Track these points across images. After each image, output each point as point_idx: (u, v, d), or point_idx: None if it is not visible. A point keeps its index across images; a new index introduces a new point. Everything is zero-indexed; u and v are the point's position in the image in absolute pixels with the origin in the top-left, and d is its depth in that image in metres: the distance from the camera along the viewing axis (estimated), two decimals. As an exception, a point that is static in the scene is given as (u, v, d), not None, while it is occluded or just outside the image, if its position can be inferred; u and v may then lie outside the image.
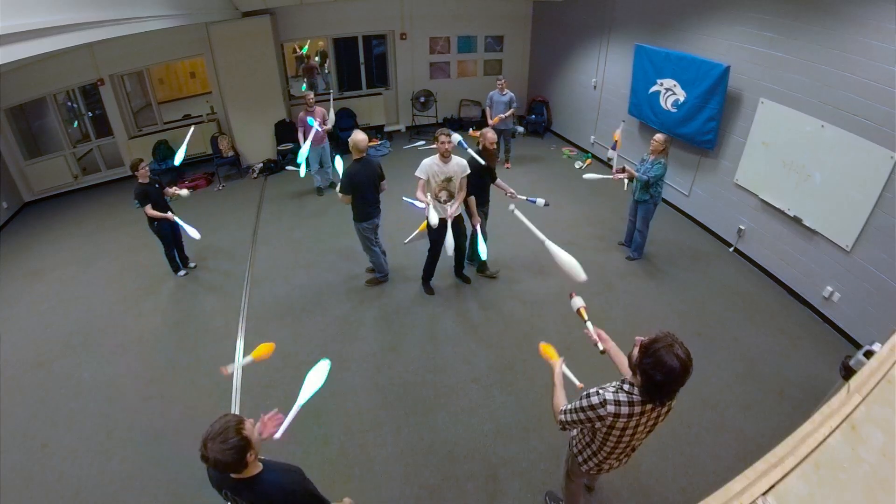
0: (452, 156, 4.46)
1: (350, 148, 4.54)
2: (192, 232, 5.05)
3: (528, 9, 9.82)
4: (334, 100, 9.34)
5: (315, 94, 7.16)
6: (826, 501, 0.96)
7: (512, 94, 7.53)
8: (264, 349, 2.87)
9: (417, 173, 4.48)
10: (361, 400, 3.94)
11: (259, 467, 1.94)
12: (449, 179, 4.49)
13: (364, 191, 4.64)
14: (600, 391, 2.01)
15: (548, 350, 2.69)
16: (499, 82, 7.56)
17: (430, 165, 4.44)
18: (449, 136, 4.40)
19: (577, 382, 2.53)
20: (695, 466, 3.34)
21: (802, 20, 4.49)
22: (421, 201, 4.48)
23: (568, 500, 2.81)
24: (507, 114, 7.50)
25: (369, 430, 3.69)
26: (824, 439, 1.08)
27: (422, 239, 4.92)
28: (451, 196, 4.58)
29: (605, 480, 3.21)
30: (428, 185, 4.48)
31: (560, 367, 2.46)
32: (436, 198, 4.52)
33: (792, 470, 1.01)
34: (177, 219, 5.15)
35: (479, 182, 4.82)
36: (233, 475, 1.89)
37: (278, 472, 2.00)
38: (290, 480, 2.02)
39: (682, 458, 3.39)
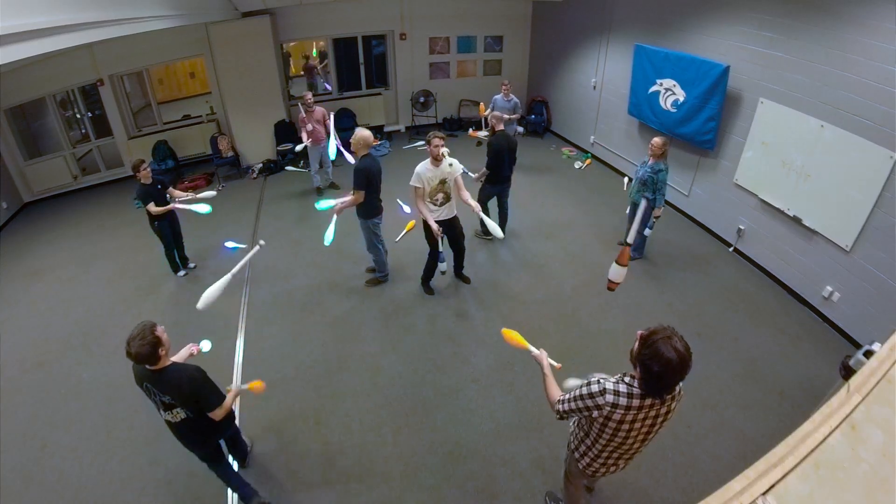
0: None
1: (356, 146, 4.50)
2: (202, 207, 4.91)
3: (528, 9, 9.82)
4: (334, 100, 9.39)
5: (314, 94, 7.16)
6: (826, 501, 0.96)
7: (517, 100, 7.34)
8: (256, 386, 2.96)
9: (412, 182, 4.43)
10: (361, 400, 3.94)
11: (169, 362, 2.56)
12: (443, 182, 4.48)
13: (377, 185, 4.65)
14: (601, 380, 2.05)
15: (512, 336, 2.70)
16: (503, 86, 7.32)
17: (422, 172, 4.40)
18: (442, 138, 4.40)
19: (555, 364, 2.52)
20: (695, 466, 3.35)
21: (802, 20, 4.50)
22: (421, 213, 4.49)
23: (568, 501, 2.81)
24: (511, 117, 7.19)
25: (369, 430, 3.69)
26: (824, 439, 1.08)
27: (410, 236, 4.96)
28: (447, 198, 4.58)
29: (605, 481, 3.21)
30: (423, 191, 4.46)
31: (546, 358, 2.49)
32: (432, 202, 4.52)
33: (792, 470, 1.01)
34: (180, 205, 5.09)
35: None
36: (149, 367, 2.47)
37: (182, 366, 2.62)
38: (191, 369, 2.58)
39: (682, 459, 3.40)
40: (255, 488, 3.11)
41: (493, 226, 4.28)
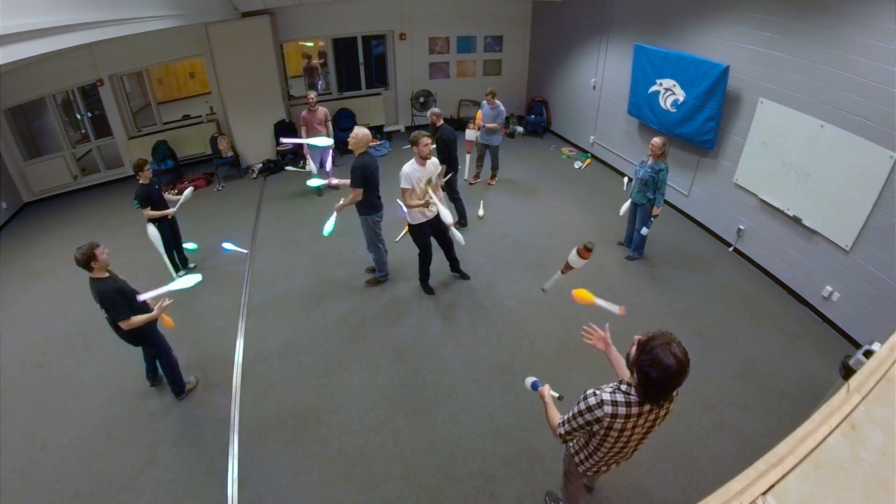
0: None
1: (354, 144, 4.50)
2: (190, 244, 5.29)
3: (528, 9, 9.82)
4: (334, 100, 9.40)
5: (316, 94, 7.17)
6: (826, 501, 0.96)
7: (502, 108, 6.86)
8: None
9: (403, 185, 4.40)
10: (361, 400, 3.94)
11: (104, 276, 3.42)
12: (429, 181, 4.52)
13: (376, 181, 4.68)
14: (597, 392, 2.02)
15: (582, 294, 2.90)
16: (487, 94, 6.86)
17: (411, 173, 4.39)
18: (429, 136, 4.41)
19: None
20: (694, 466, 3.35)
21: (802, 20, 4.50)
22: (425, 205, 4.49)
23: (567, 501, 2.81)
24: (490, 125, 6.82)
25: (369, 430, 3.69)
26: (824, 439, 1.08)
27: (409, 236, 4.97)
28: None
29: (604, 480, 3.21)
30: (412, 192, 4.45)
31: (548, 389, 2.45)
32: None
33: (792, 470, 1.01)
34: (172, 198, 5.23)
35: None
36: (91, 276, 3.37)
37: (110, 281, 3.43)
38: (110, 286, 3.38)
39: (681, 459, 3.40)
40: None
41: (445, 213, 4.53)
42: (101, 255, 3.33)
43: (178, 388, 3.97)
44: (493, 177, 7.62)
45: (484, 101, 7.02)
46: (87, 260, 3.28)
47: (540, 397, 2.45)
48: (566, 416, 2.14)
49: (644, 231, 5.31)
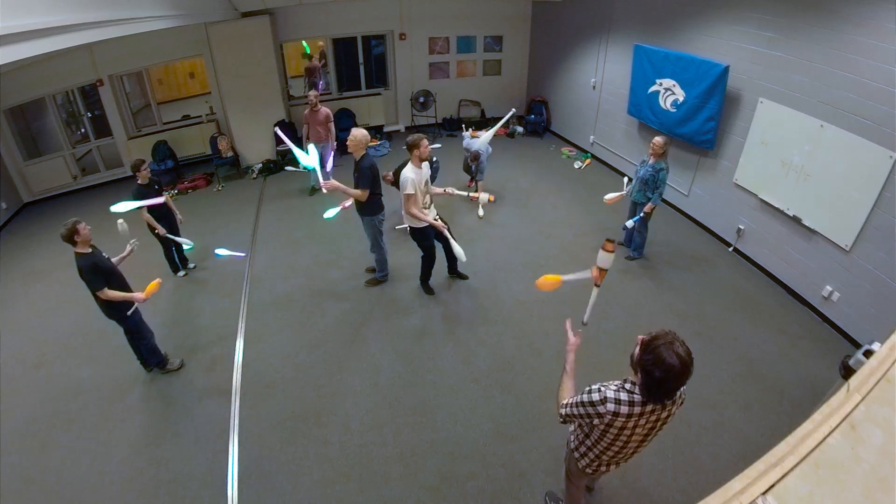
0: None
1: (353, 146, 4.49)
2: (185, 242, 5.29)
3: (528, 9, 9.82)
4: (334, 100, 9.39)
5: (317, 94, 7.14)
6: (826, 501, 0.96)
7: (489, 148, 6.62)
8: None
9: (409, 191, 4.30)
10: (361, 400, 3.94)
11: (87, 251, 3.65)
12: (427, 182, 4.53)
13: (380, 181, 4.71)
14: (602, 388, 2.02)
15: (547, 281, 2.81)
16: (471, 133, 6.90)
17: (414, 178, 4.32)
18: (426, 138, 4.41)
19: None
20: (695, 466, 3.35)
21: (802, 20, 4.50)
22: (417, 218, 4.47)
23: (568, 501, 2.81)
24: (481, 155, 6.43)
25: (369, 430, 3.69)
26: (824, 439, 1.08)
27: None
28: (431, 198, 4.64)
29: (605, 481, 3.21)
30: (417, 197, 4.42)
31: (573, 354, 2.38)
32: (422, 205, 4.53)
33: (792, 469, 1.01)
34: (172, 236, 5.30)
35: None
36: (74, 250, 3.62)
37: (89, 256, 3.65)
38: (84, 260, 3.61)
39: (682, 458, 3.40)
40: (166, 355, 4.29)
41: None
42: (82, 231, 3.57)
43: (152, 363, 4.23)
44: (476, 189, 6.98)
45: (466, 135, 6.88)
46: (70, 235, 3.54)
47: (565, 359, 2.39)
48: (571, 401, 2.13)
49: (629, 224, 5.28)
